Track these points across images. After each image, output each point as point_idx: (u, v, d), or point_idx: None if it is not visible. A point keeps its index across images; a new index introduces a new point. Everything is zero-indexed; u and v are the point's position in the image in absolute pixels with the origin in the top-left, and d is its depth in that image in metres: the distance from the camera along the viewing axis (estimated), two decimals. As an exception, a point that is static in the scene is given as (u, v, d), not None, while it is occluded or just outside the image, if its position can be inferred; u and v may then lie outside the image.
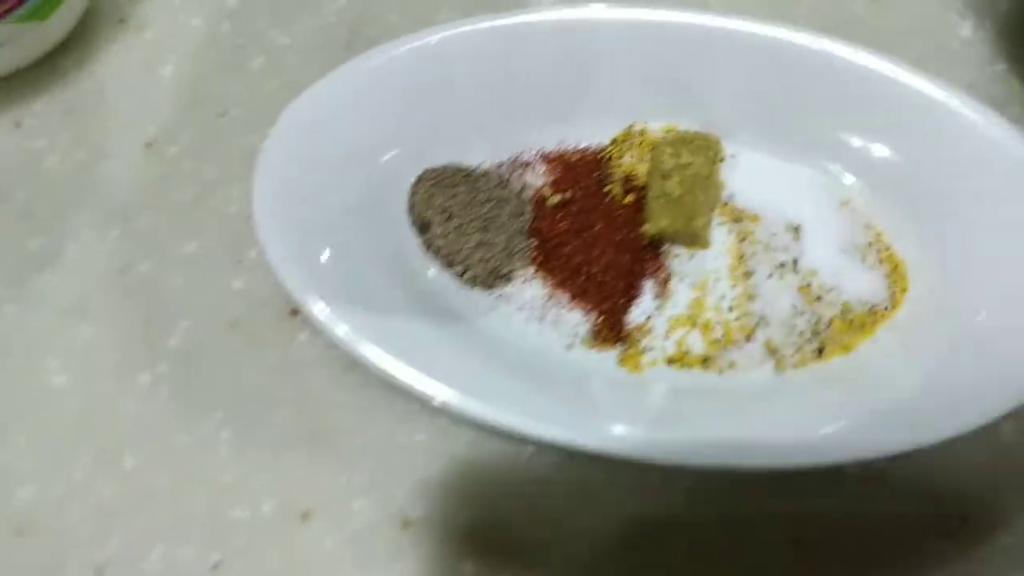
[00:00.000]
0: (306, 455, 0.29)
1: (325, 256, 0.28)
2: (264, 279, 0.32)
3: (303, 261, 0.28)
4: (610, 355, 0.29)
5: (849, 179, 0.31)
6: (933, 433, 0.24)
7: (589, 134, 0.32)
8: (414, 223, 0.31)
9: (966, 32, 0.35)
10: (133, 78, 0.37)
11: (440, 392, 0.26)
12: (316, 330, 0.30)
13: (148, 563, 0.28)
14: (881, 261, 0.30)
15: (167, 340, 0.31)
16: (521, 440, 0.28)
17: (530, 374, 0.27)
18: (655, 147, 0.31)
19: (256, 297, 0.32)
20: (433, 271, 0.30)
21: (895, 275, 0.29)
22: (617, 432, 0.25)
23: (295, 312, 0.31)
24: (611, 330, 0.29)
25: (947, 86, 0.29)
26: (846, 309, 0.29)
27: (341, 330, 0.27)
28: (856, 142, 0.30)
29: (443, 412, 0.28)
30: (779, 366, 0.28)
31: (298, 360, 0.31)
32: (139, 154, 0.35)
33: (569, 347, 0.29)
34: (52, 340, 0.31)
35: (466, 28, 0.31)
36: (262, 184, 0.29)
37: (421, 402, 0.28)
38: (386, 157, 0.31)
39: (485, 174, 0.32)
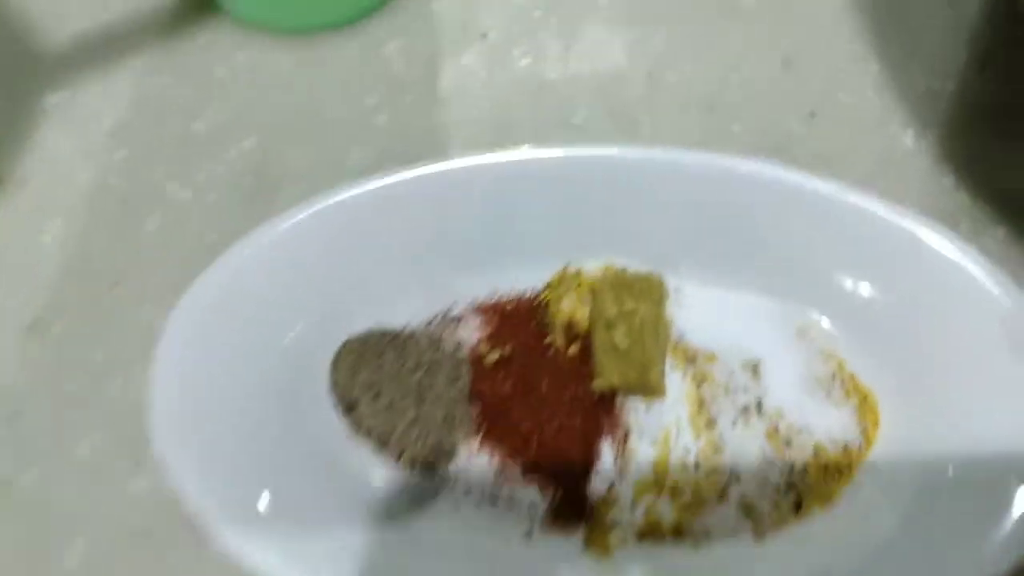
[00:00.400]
0: None
1: (236, 469, 0.25)
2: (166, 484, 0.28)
3: (210, 479, 0.24)
4: (574, 539, 0.26)
5: (801, 307, 0.29)
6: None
7: (522, 280, 0.30)
8: (338, 403, 0.28)
9: (908, 142, 0.34)
10: (12, 247, 0.34)
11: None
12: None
13: None
14: (848, 394, 0.28)
15: (61, 562, 0.27)
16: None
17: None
18: (595, 292, 0.29)
19: (163, 500, 0.28)
20: (377, 475, 0.27)
21: (864, 408, 0.28)
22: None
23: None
24: (572, 508, 0.26)
25: (897, 205, 0.28)
26: (819, 451, 0.27)
27: (252, 560, 0.23)
28: (805, 268, 0.29)
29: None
30: (757, 531, 0.26)
31: (216, 571, 0.27)
32: (21, 338, 0.31)
33: (528, 534, 0.26)
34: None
35: (378, 182, 0.29)
36: (160, 393, 0.25)
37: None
38: (301, 332, 0.28)
39: (413, 336, 0.29)
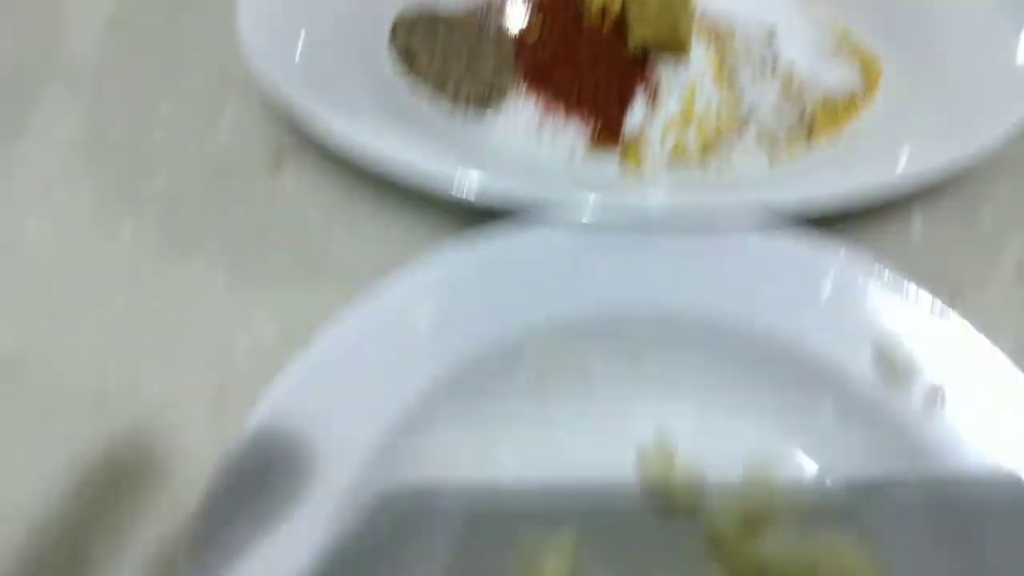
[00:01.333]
0: (302, 281, 0.31)
1: (316, 67, 0.31)
2: (246, 135, 0.34)
3: (298, 74, 0.30)
4: (612, 159, 0.32)
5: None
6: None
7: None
8: (399, 58, 0.33)
9: None
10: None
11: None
12: (303, 175, 0.33)
13: (149, 391, 0.28)
14: (853, 56, 0.34)
15: (148, 189, 0.33)
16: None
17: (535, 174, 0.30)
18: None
19: (239, 150, 0.33)
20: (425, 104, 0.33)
21: (868, 67, 0.33)
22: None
23: (279, 162, 0.33)
24: (611, 133, 0.32)
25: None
26: (827, 98, 0.33)
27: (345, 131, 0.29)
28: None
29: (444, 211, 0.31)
30: (772, 156, 0.31)
31: (286, 205, 0.32)
32: (101, 31, 0.37)
33: (571, 153, 0.32)
34: (28, 204, 0.32)
35: None
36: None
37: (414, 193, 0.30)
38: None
39: (460, 19, 0.35)
